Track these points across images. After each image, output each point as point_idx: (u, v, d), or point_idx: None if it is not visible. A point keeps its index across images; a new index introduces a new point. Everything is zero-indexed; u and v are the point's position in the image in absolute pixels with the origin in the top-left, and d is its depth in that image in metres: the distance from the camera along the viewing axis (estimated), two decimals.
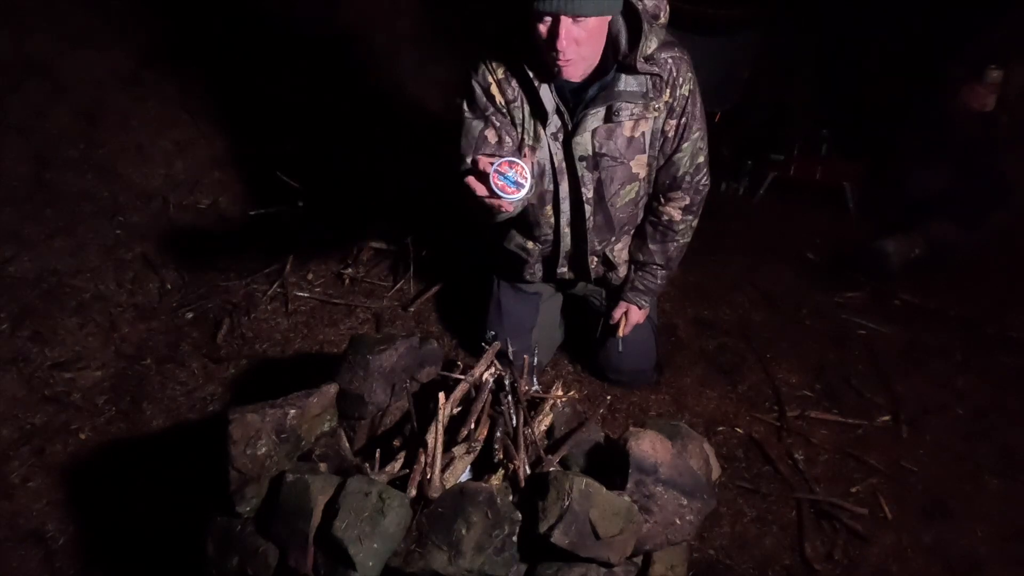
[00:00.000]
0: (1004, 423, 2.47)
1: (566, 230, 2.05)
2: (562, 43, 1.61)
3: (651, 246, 2.12)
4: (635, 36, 1.74)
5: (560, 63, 1.67)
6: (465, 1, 3.94)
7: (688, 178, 1.98)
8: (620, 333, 2.25)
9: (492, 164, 1.49)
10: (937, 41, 3.38)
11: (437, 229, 2.83)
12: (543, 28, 1.63)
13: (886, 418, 2.46)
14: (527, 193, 1.51)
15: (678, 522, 1.52)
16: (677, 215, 2.05)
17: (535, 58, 1.74)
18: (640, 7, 1.76)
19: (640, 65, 1.75)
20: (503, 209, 1.58)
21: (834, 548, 2.05)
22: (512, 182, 1.49)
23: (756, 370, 2.61)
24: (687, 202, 2.03)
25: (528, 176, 1.49)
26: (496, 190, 1.49)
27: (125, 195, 2.89)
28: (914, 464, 2.31)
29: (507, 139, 1.87)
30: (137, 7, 3.48)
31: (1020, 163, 3.20)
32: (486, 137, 1.84)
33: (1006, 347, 2.80)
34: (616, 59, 1.77)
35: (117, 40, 3.33)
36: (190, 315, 2.54)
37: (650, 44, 1.75)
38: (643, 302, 2.22)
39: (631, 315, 2.24)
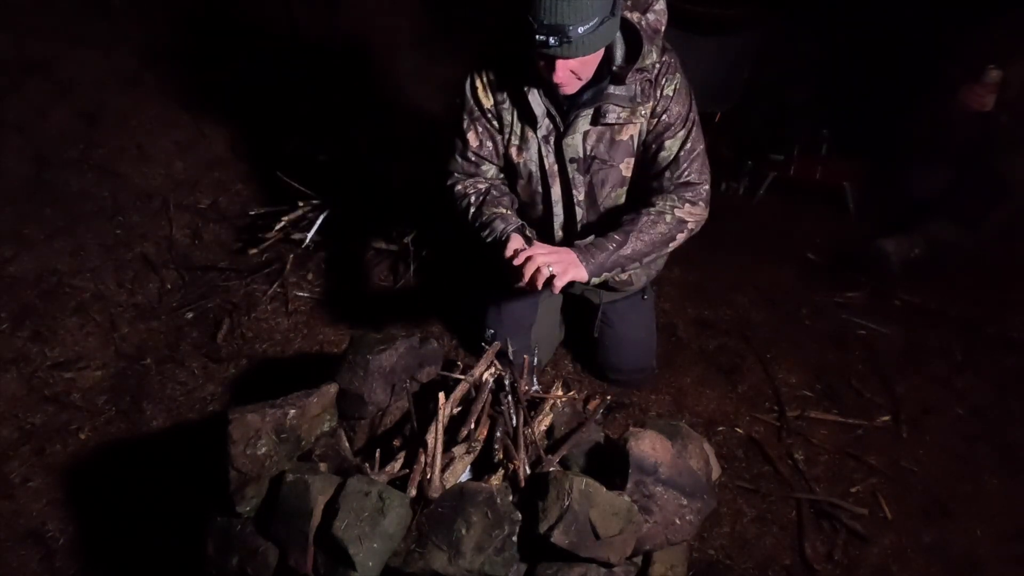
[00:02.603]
0: (1004, 423, 2.47)
1: (560, 233, 2.06)
2: (558, 77, 1.69)
3: (624, 217, 1.92)
4: (632, 51, 1.79)
5: (558, 87, 1.75)
6: (465, 1, 3.95)
7: (668, 174, 1.90)
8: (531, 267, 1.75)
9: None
10: (937, 41, 3.38)
11: (437, 229, 2.83)
12: (542, 62, 1.69)
13: (886, 418, 2.46)
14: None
15: (678, 522, 1.52)
16: (658, 197, 1.91)
17: (526, 65, 1.78)
18: (642, 23, 1.79)
19: (630, 77, 1.79)
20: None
21: (834, 548, 2.05)
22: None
23: (756, 370, 2.61)
24: (672, 202, 1.90)
25: None
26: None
27: (125, 195, 2.89)
28: (914, 464, 2.31)
29: (488, 143, 1.96)
30: (137, 7, 3.48)
31: (1020, 163, 3.20)
32: (468, 140, 1.95)
33: (1006, 347, 2.79)
34: (610, 70, 1.80)
35: (117, 40, 3.33)
36: (190, 315, 2.54)
37: (646, 60, 1.79)
38: (579, 242, 1.88)
39: (552, 249, 1.83)
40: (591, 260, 1.83)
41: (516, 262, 1.77)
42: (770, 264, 3.20)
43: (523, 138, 1.93)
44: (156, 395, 2.28)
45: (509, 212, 1.96)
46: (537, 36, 1.59)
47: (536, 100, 1.85)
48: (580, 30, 1.57)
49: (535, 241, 1.86)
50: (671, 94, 1.84)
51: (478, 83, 1.90)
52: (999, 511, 2.18)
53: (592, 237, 1.91)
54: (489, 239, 1.90)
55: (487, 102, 1.91)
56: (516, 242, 1.83)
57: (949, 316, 2.94)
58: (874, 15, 3.69)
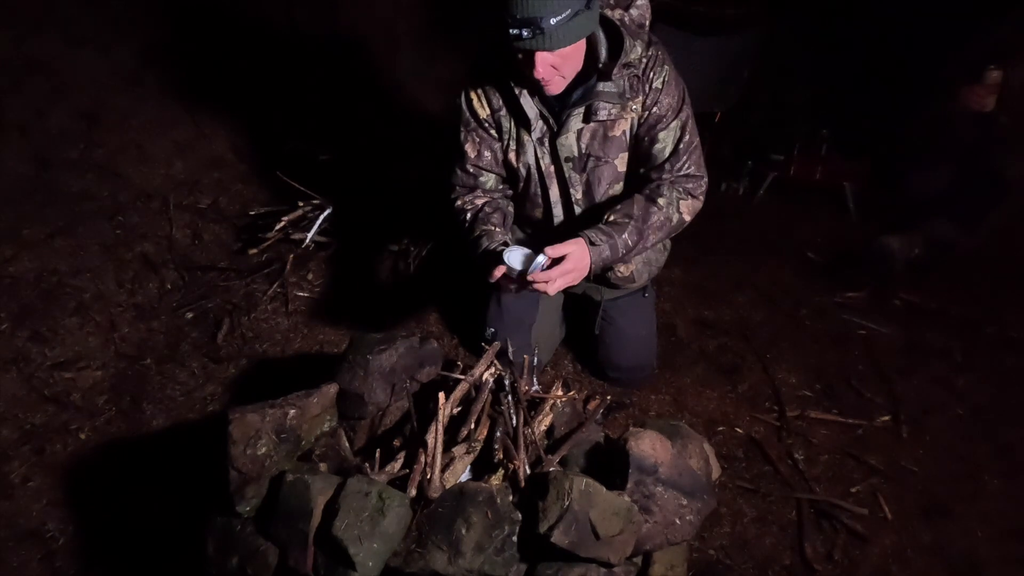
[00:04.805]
0: (1004, 423, 2.47)
1: (560, 232, 2.06)
2: (539, 72, 1.71)
3: (635, 195, 1.92)
4: (615, 46, 1.81)
5: (541, 84, 1.76)
6: (465, 2, 3.95)
7: (668, 166, 1.91)
8: (545, 260, 1.73)
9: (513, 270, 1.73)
10: (937, 41, 3.38)
11: (437, 228, 2.83)
12: (521, 57, 1.71)
13: (886, 418, 2.46)
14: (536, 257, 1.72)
15: (678, 522, 1.52)
16: (664, 188, 1.92)
17: (515, 69, 1.79)
18: (625, 19, 1.83)
19: (616, 73, 1.81)
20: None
21: (834, 548, 2.05)
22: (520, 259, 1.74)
23: (756, 370, 2.61)
24: (675, 192, 1.92)
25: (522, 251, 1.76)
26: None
27: (125, 195, 2.89)
28: (914, 464, 2.31)
29: (485, 153, 1.98)
30: (137, 7, 3.47)
31: (1019, 163, 3.20)
32: (466, 151, 1.98)
33: (1006, 347, 2.79)
34: (596, 67, 1.82)
35: (117, 40, 3.33)
36: (190, 315, 2.54)
37: (631, 55, 1.81)
38: (595, 238, 1.81)
39: (570, 258, 1.75)
40: (600, 256, 1.82)
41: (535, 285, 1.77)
42: (770, 264, 3.20)
43: (520, 142, 1.95)
44: (156, 395, 2.28)
45: (497, 229, 1.95)
46: (511, 31, 1.62)
47: (529, 103, 1.87)
48: (552, 21, 1.60)
49: (545, 252, 1.74)
50: (660, 86, 1.86)
51: (472, 94, 1.93)
52: (999, 511, 2.18)
53: (606, 230, 1.84)
54: (473, 255, 1.93)
55: (483, 112, 1.93)
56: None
57: (949, 316, 2.94)
58: (874, 15, 3.70)
